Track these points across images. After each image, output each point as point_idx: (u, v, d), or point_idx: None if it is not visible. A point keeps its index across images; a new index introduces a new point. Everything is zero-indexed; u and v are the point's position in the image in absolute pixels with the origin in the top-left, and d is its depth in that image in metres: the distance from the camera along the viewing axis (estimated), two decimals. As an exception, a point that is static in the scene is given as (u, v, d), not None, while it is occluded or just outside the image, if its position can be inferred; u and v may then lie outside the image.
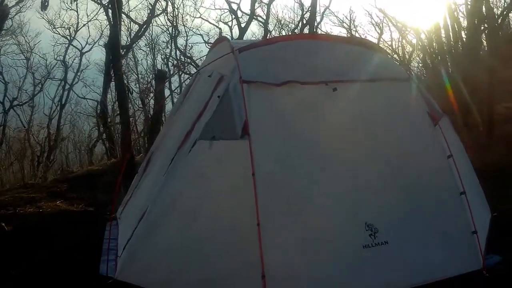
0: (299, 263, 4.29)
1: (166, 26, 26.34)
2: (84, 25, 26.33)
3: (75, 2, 21.37)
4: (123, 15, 15.48)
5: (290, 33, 26.62)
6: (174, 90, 26.32)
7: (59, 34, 26.47)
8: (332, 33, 26.14)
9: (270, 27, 26.91)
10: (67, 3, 23.02)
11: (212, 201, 4.44)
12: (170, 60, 26.79)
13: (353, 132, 4.88)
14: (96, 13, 24.40)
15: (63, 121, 26.74)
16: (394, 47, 25.40)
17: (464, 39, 14.88)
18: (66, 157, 25.12)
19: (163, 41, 27.62)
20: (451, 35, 14.36)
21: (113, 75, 18.40)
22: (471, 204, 4.96)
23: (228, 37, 25.34)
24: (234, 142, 4.44)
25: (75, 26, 26.44)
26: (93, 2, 21.73)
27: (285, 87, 4.77)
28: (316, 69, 5.09)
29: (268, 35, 25.65)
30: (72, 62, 27.49)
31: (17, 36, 25.09)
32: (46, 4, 18.69)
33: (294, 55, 5.20)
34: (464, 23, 16.35)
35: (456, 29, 14.96)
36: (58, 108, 26.08)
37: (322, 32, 25.06)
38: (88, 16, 24.87)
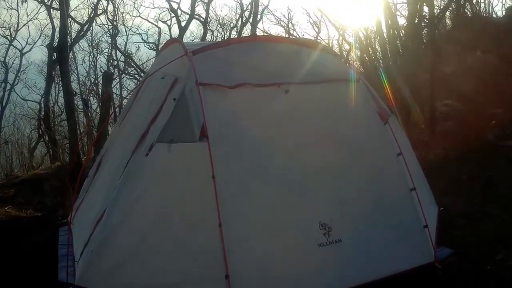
0: (261, 262, 4.38)
1: (107, 26, 26.11)
2: (24, 24, 25.74)
3: (22, 1, 20.75)
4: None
5: (229, 32, 26.84)
6: (116, 92, 26.02)
7: None
8: (270, 32, 26.52)
9: (210, 26, 26.95)
10: (7, 2, 22.36)
11: (173, 204, 4.46)
12: (110, 61, 26.51)
13: (306, 133, 4.99)
14: (37, 13, 23.87)
15: (4, 123, 26.09)
16: (331, 45, 25.70)
17: (403, 38, 15.23)
18: (10, 161, 24.53)
19: (103, 41, 27.35)
20: (391, 33, 14.66)
21: (57, 76, 18.11)
22: (421, 199, 5.17)
23: (168, 37, 25.38)
24: (193, 145, 4.47)
25: (15, 26, 25.81)
26: (36, 1, 21.19)
27: (239, 89, 4.84)
28: (269, 71, 5.17)
29: (208, 34, 25.69)
30: (13, 63, 26.87)
31: None
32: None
33: (247, 57, 5.26)
34: (402, 21, 16.79)
35: (395, 27, 15.30)
36: (-1, 110, 25.42)
37: (261, 31, 25.25)
38: (28, 15, 24.25)
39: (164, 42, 8.39)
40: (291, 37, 24.58)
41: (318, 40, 23.10)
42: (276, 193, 4.64)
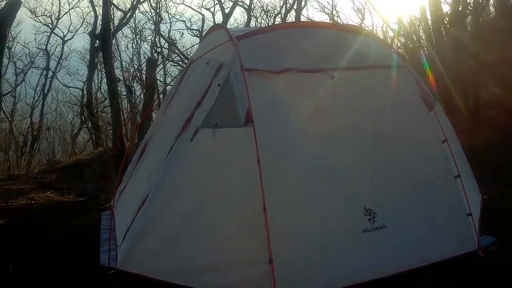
0: (305, 247, 4.38)
1: (150, 13, 26.22)
2: (66, 13, 26.01)
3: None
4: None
5: (273, 19, 26.73)
6: (160, 79, 26.14)
7: (41, 22, 26.12)
8: (314, 19, 26.33)
9: (254, 13, 26.85)
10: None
11: (217, 188, 4.48)
12: (154, 48, 26.61)
13: (350, 119, 4.98)
14: (78, 1, 24.11)
15: (46, 110, 26.49)
16: (375, 32, 25.43)
17: (447, 25, 14.99)
18: (52, 147, 24.94)
19: (147, 28, 27.46)
20: (435, 21, 14.46)
21: (100, 63, 18.26)
22: (465, 187, 5.11)
23: (212, 24, 25.36)
24: (238, 130, 4.48)
25: (56, 14, 26.09)
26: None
27: (284, 74, 4.82)
28: (314, 57, 5.15)
29: (252, 21, 25.62)
30: (54, 50, 27.18)
31: None
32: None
33: (292, 43, 5.22)
34: (446, 9, 16.53)
35: (439, 14, 15.08)
36: (40, 97, 25.80)
37: (305, 18, 25.11)
38: (69, 3, 24.41)
39: (208, 29, 8.39)
40: (335, 23, 24.44)
41: (363, 27, 23.04)
42: (321, 178, 4.64)
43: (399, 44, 22.37)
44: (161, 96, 18.00)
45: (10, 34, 24.77)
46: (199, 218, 4.46)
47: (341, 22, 26.12)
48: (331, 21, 25.98)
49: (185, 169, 4.63)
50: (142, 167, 6.20)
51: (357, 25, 19.55)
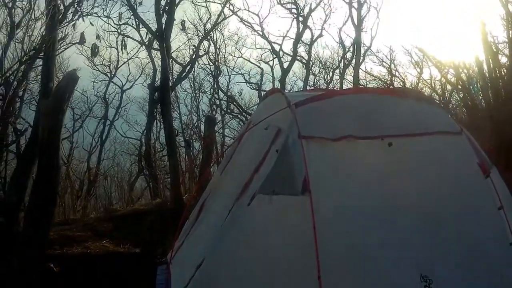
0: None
1: (209, 66, 26.62)
2: (124, 62, 26.35)
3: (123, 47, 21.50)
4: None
5: (331, 73, 26.87)
6: (218, 130, 26.39)
7: (99, 70, 26.61)
8: (372, 73, 26.39)
9: (313, 68, 27.02)
10: (107, 41, 23.07)
11: (272, 256, 4.54)
12: (212, 100, 26.97)
13: (407, 186, 4.95)
14: (137, 51, 24.45)
15: (104, 156, 26.91)
16: (433, 86, 25.29)
17: (505, 78, 14.86)
18: (109, 193, 25.36)
19: (205, 80, 27.82)
20: (492, 73, 14.37)
21: (158, 114, 18.53)
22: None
23: (270, 77, 25.70)
24: (295, 198, 4.57)
25: (115, 63, 26.57)
26: (136, 41, 21.90)
27: (342, 142, 4.90)
28: (372, 123, 5.21)
29: (310, 75, 25.80)
30: (113, 99, 27.69)
31: (57, 73, 25.07)
32: (96, 51, 19.02)
33: (349, 109, 5.32)
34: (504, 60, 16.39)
35: (495, 66, 14.97)
36: (98, 144, 26.27)
37: (363, 72, 25.21)
38: (128, 53, 24.85)
39: (267, 88, 8.56)
40: (393, 86, 24.49)
41: (420, 89, 23.03)
42: (378, 248, 4.64)
43: (458, 98, 22.27)
44: (219, 150, 18.19)
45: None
46: (255, 284, 4.53)
47: (400, 76, 26.12)
48: (390, 75, 25.97)
49: (242, 234, 4.73)
50: (201, 226, 6.29)
51: (416, 90, 19.41)
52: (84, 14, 14.04)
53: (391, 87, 24.59)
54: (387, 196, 4.84)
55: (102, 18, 18.03)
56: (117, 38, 22.47)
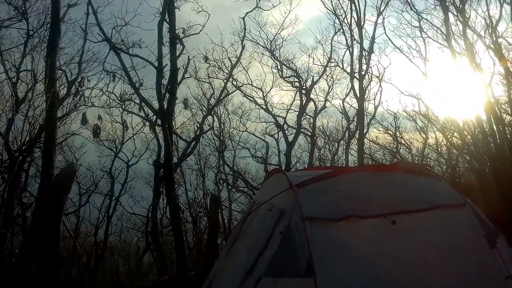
0: None
1: (213, 141, 26.77)
2: (129, 138, 26.42)
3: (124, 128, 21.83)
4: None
5: (336, 144, 26.97)
6: (225, 206, 26.30)
7: (104, 146, 26.71)
8: (378, 142, 26.52)
9: (317, 140, 27.08)
10: (112, 116, 23.23)
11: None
12: (218, 175, 26.96)
13: (413, 263, 4.94)
14: (142, 127, 24.49)
15: (111, 230, 26.72)
16: (440, 150, 25.35)
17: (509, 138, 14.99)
18: (116, 269, 25.19)
19: (211, 155, 27.92)
20: (495, 133, 14.52)
21: (163, 193, 18.63)
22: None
23: (276, 151, 25.82)
24: (299, 280, 4.55)
25: (120, 139, 26.63)
26: (140, 117, 22.06)
27: (345, 222, 4.91)
28: (374, 201, 5.23)
29: (315, 149, 25.87)
30: (119, 174, 27.69)
31: (62, 148, 25.18)
32: (98, 132, 19.33)
33: (352, 188, 5.36)
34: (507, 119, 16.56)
35: (500, 128, 15.12)
36: (105, 218, 26.15)
37: (368, 141, 25.31)
38: (133, 128, 24.91)
39: (273, 161, 8.65)
40: (399, 155, 24.65)
41: (419, 162, 23.13)
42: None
43: (463, 162, 22.31)
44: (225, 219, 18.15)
45: (74, 156, 25.42)
46: None
47: (405, 143, 26.22)
48: (395, 142, 26.03)
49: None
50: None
51: (418, 164, 19.49)
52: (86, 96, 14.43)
53: (397, 155, 24.65)
54: (393, 274, 4.80)
55: (105, 94, 18.36)
56: (121, 114, 22.64)
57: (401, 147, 26.41)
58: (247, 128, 26.61)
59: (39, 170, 16.07)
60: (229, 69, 22.77)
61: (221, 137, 26.28)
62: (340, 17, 22.58)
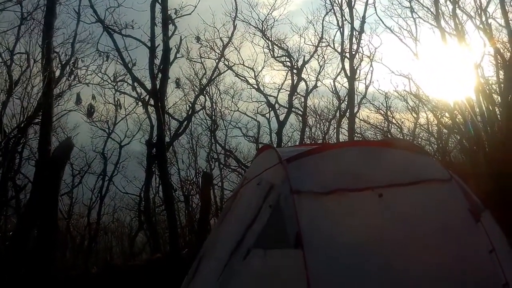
0: None
1: (205, 121, 26.73)
2: (122, 119, 26.28)
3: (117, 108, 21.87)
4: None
5: (328, 124, 27.03)
6: (217, 184, 26.31)
7: (97, 126, 26.57)
8: (369, 121, 26.61)
9: (309, 119, 27.07)
10: (104, 97, 23.16)
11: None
12: (211, 154, 26.98)
13: (400, 235, 5.03)
14: (135, 107, 24.32)
15: (104, 211, 26.68)
16: (430, 130, 25.46)
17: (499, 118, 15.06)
18: (110, 249, 25.21)
19: (203, 134, 27.86)
20: (484, 113, 14.60)
21: (156, 172, 18.69)
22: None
23: (267, 130, 25.83)
24: (288, 252, 4.64)
25: (113, 119, 26.49)
26: (132, 98, 21.98)
27: (333, 195, 5.00)
28: (362, 175, 5.31)
29: (306, 128, 25.88)
30: (111, 154, 27.58)
31: (55, 129, 25.04)
32: (92, 111, 19.32)
33: (340, 163, 5.44)
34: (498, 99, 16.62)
35: (490, 108, 15.21)
36: (98, 199, 26.10)
37: (359, 120, 25.40)
38: (126, 109, 24.76)
39: (265, 141, 8.70)
40: (390, 134, 24.75)
41: (408, 139, 23.22)
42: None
43: (455, 141, 22.42)
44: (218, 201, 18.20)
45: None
46: None
47: (396, 122, 26.32)
48: (386, 122, 26.16)
49: (239, 288, 4.76)
50: (198, 282, 6.32)
51: (406, 140, 19.58)
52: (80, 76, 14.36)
53: (388, 135, 24.74)
54: (380, 247, 4.89)
55: (98, 75, 18.32)
56: (114, 94, 22.54)
57: (392, 126, 26.58)
58: (238, 108, 26.62)
59: (33, 152, 16.17)
60: (220, 49, 22.83)
61: (213, 116, 26.29)
62: (332, -3, 22.70)
